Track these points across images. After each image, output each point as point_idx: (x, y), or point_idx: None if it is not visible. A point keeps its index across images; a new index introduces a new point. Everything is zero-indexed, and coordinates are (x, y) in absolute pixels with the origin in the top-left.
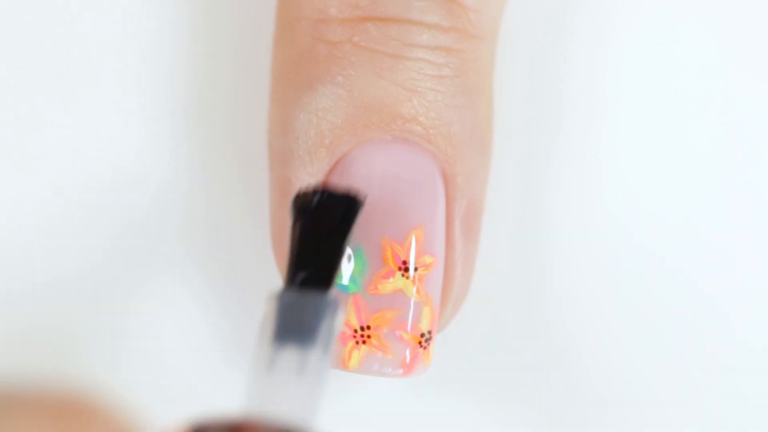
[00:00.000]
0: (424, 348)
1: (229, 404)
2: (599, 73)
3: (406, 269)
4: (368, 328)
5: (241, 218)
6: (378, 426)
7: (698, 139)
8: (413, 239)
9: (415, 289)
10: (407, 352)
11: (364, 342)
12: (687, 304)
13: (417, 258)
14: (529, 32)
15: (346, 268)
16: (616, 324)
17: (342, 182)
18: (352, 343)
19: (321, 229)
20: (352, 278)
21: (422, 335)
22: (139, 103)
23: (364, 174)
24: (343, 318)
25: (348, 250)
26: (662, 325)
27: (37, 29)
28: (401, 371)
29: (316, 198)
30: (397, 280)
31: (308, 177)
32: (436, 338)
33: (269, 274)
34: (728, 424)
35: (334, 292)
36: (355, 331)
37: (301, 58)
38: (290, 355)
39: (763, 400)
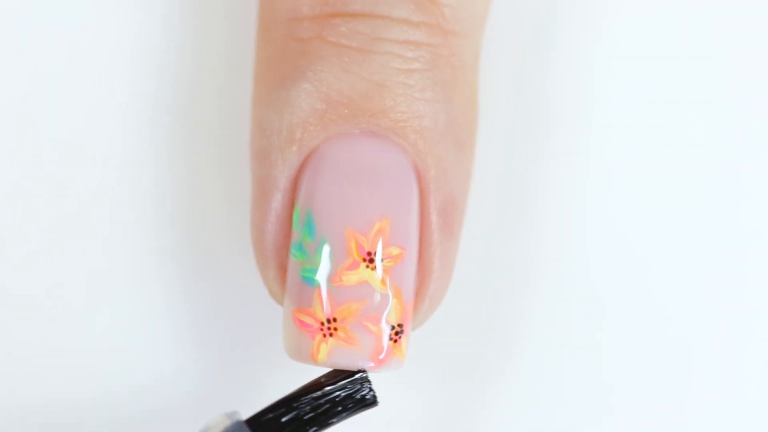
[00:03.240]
0: (395, 341)
1: (216, 398)
2: (590, 74)
3: (371, 260)
4: (334, 320)
5: (232, 218)
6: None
7: (687, 138)
8: (379, 231)
9: (380, 280)
10: (378, 344)
11: (331, 335)
12: (674, 302)
13: (383, 249)
14: (523, 31)
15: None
16: (602, 323)
17: (311, 177)
18: (319, 336)
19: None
20: (316, 270)
21: (392, 328)
22: (132, 104)
23: (331, 165)
24: None
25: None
26: (649, 323)
27: (30, 30)
28: (372, 364)
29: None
30: (361, 272)
31: (280, 174)
32: (418, 335)
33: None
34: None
35: None
36: (322, 323)
37: (275, 57)
38: None
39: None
